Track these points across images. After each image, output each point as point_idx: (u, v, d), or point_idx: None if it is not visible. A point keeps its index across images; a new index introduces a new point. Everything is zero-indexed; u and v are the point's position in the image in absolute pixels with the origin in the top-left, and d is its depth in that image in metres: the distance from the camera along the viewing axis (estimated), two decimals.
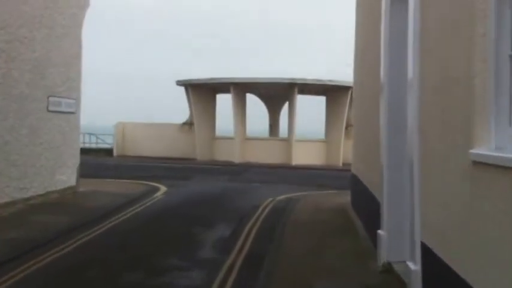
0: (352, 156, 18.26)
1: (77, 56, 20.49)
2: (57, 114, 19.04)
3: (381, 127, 10.37)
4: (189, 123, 40.72)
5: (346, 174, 29.80)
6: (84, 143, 48.30)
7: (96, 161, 34.49)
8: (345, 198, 18.74)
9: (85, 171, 25.91)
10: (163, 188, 21.36)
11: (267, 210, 16.77)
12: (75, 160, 20.33)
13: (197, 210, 16.65)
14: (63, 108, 19.50)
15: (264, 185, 23.62)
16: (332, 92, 38.69)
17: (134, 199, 18.34)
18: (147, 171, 28.60)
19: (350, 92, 36.83)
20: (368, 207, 12.53)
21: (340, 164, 37.31)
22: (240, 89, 38.32)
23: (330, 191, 22.06)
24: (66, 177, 19.62)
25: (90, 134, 49.92)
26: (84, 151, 43.22)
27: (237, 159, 37.44)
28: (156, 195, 19.63)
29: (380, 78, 10.45)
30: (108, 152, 42.56)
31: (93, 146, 47.90)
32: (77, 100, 20.38)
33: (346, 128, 38.35)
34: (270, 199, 18.92)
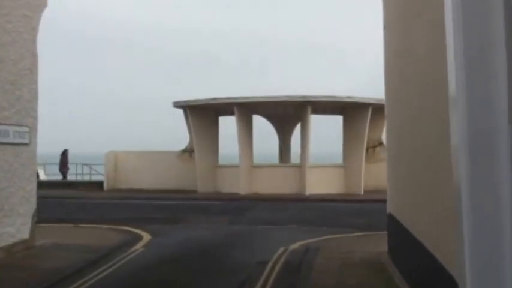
0: (389, 189, 13.43)
1: (31, 70, 15.98)
2: (2, 146, 14.59)
3: (453, 149, 5.65)
4: (189, 151, 36.31)
5: (372, 206, 25.38)
6: (76, 174, 44.29)
7: (79, 198, 30.00)
8: (377, 244, 14.43)
9: (58, 215, 21.57)
10: (146, 237, 16.84)
11: (277, 269, 12.31)
12: (29, 206, 15.65)
13: (182, 274, 12.03)
14: (10, 139, 15.01)
15: (273, 227, 19.07)
16: (350, 110, 34.12)
17: (104, 255, 13.91)
18: (134, 210, 24.25)
19: (370, 110, 32.50)
20: (421, 267, 8.50)
21: (361, 192, 32.83)
22: (246, 109, 33.77)
23: (356, 234, 17.46)
24: (15, 228, 15.01)
25: (84, 164, 45.61)
26: (72, 185, 39.31)
27: (242, 190, 32.82)
28: (134, 248, 15.13)
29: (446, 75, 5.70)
30: (99, 185, 37.92)
31: (86, 178, 43.52)
32: (32, 127, 15.84)
33: (367, 150, 33.86)
34: (282, 249, 14.47)
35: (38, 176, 43.10)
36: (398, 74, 11.47)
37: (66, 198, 30.31)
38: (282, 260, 13.11)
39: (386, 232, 13.25)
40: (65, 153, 42.54)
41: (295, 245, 15.05)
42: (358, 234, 17.18)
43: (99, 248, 14.95)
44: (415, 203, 9.60)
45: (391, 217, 12.13)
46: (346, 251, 14.07)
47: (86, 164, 45.29)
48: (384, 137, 35.46)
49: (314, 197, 30.49)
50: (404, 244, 10.59)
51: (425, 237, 8.55)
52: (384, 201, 27.95)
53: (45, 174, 44.72)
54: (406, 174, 10.53)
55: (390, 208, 12.43)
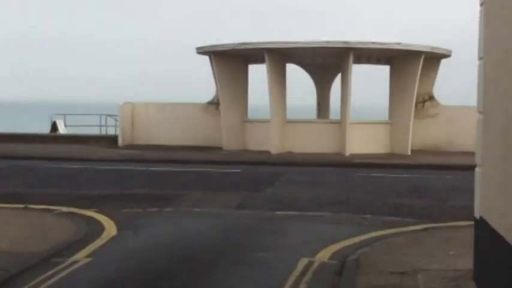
0: (480, 181, 8.44)
1: None
2: None
3: None
4: (215, 103, 32.22)
5: (427, 176, 21.07)
6: (101, 126, 40.25)
7: (75, 160, 25.70)
8: (451, 248, 10.29)
9: (19, 187, 17.37)
10: (106, 233, 11.89)
11: None
12: None
13: None
14: None
15: (298, 214, 13.97)
16: (399, 60, 29.65)
17: (23, 271, 9.28)
18: (126, 181, 19.52)
19: (422, 59, 28.16)
20: None
21: (409, 152, 28.61)
22: (278, 56, 29.48)
23: (414, 227, 12.52)
24: None
25: (109, 115, 40.98)
26: (82, 140, 35.37)
27: (274, 148, 28.76)
28: (72, 259, 9.94)
29: None
30: (114, 140, 33.99)
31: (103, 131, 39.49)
32: None
33: (416, 105, 29.58)
34: (305, 261, 9.79)
35: (55, 129, 39.99)
36: None
37: (59, 159, 25.86)
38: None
39: (473, 245, 8.38)
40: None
41: (324, 253, 10.34)
42: (418, 227, 12.42)
43: (24, 254, 10.10)
44: None
45: (483, 225, 7.83)
46: (405, 268, 9.15)
47: (111, 115, 40.82)
48: (434, 91, 31.46)
49: (356, 158, 26.28)
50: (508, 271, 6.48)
51: None
52: (440, 167, 23.93)
53: (66, 126, 40.77)
54: None
55: (482, 210, 8.06)
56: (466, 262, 9.04)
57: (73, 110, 53.72)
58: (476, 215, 8.11)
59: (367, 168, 23.47)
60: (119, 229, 12.12)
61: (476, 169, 8.23)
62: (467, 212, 13.99)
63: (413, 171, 22.54)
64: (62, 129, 39.24)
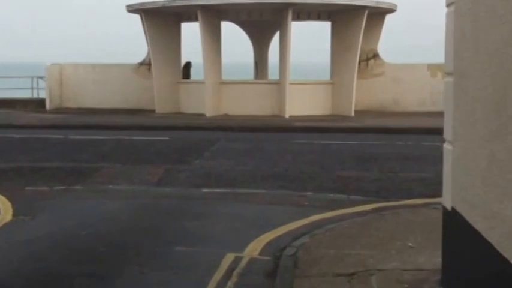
0: (450, 164, 6.45)
1: None
2: None
3: None
4: (147, 64, 30.14)
5: (374, 141, 19.26)
6: (32, 88, 37.44)
7: None
8: (409, 238, 8.54)
9: None
10: (5, 214, 10.10)
11: None
12: None
13: None
14: None
15: (227, 191, 12.02)
16: (341, 15, 27.87)
17: None
18: (40, 151, 17.10)
19: (366, 14, 26.51)
20: None
21: (352, 113, 27.15)
22: (212, 14, 27.44)
23: (364, 207, 10.61)
24: None
25: (40, 77, 37.92)
26: (8, 103, 33.07)
27: (209, 111, 26.99)
28: None
29: None
30: (42, 103, 31.72)
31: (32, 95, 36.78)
32: None
33: (359, 64, 27.92)
34: (231, 257, 7.95)
35: None
36: None
37: None
38: None
39: (441, 241, 6.46)
40: None
41: (255, 245, 8.49)
42: (367, 208, 10.53)
43: None
44: None
45: (455, 218, 6.06)
46: (354, 266, 7.27)
47: (42, 77, 37.86)
48: (378, 48, 29.82)
49: (296, 121, 24.59)
50: (488, 274, 4.81)
51: None
52: (388, 131, 21.77)
53: None
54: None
55: (455, 200, 6.24)
56: (429, 258, 7.39)
57: (2, 71, 50.79)
58: (447, 204, 6.30)
59: (308, 133, 21.71)
60: (15, 213, 10.13)
61: (445, 146, 6.37)
62: (422, 186, 12.40)
63: (358, 136, 20.78)
64: None
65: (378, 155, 16.39)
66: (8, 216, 9.94)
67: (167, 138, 19.99)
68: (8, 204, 10.65)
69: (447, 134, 6.31)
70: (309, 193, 11.85)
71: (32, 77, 36.95)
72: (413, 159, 15.67)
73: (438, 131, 21.02)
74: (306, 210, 10.52)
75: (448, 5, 6.30)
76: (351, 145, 18.54)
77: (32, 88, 36.84)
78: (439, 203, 10.71)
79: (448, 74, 6.24)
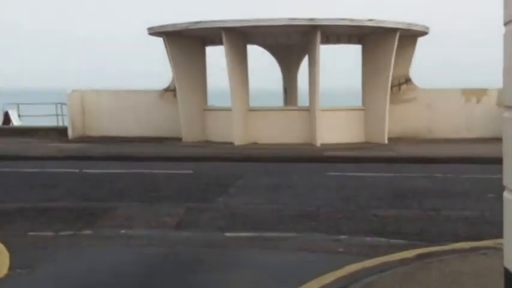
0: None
1: None
2: None
3: None
4: (173, 90, 29.26)
5: (410, 172, 17.76)
6: (57, 115, 36.67)
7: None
8: None
9: None
10: (0, 267, 8.91)
11: None
12: None
13: None
14: None
15: (253, 236, 10.66)
16: (372, 38, 26.74)
17: None
18: (44, 188, 15.80)
19: (397, 37, 25.40)
20: None
21: (386, 141, 25.96)
22: (237, 37, 26.43)
23: (405, 253, 9.30)
24: None
25: (64, 104, 36.93)
26: (30, 132, 32.23)
27: (237, 139, 25.94)
28: None
29: None
30: (64, 131, 30.87)
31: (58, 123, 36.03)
32: None
33: (392, 88, 26.76)
34: None
35: (8, 119, 36.59)
36: None
37: None
38: None
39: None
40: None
41: None
42: (409, 254, 9.20)
43: None
44: None
45: None
46: None
47: (65, 104, 36.83)
48: (410, 72, 28.61)
49: (328, 149, 23.48)
50: None
51: None
52: (424, 161, 19.97)
53: (20, 116, 37.36)
54: None
55: None
56: None
57: (28, 98, 50.16)
58: (509, 265, 5.07)
59: (341, 164, 20.43)
60: (12, 266, 8.97)
61: (506, 195, 5.13)
62: (467, 226, 11.13)
63: (394, 166, 19.45)
64: (15, 120, 36.22)
65: (416, 189, 15.11)
66: (4, 270, 8.72)
67: (191, 171, 18.75)
68: (6, 254, 9.45)
69: (507, 180, 5.07)
70: (343, 236, 10.58)
71: (56, 104, 36.30)
72: (454, 195, 14.40)
73: (476, 160, 20.01)
74: (340, 258, 9.29)
75: (506, 24, 5.04)
76: (386, 178, 17.22)
77: (57, 115, 36.18)
78: (488, 248, 9.46)
79: (508, 108, 5.00)
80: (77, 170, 19.11)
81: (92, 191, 15.45)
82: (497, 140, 26.75)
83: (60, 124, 34.92)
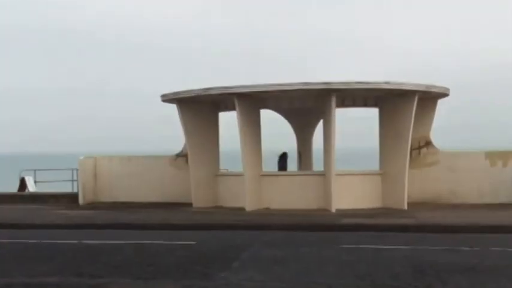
0: None
1: None
2: None
3: None
4: (185, 155, 28.57)
5: (432, 244, 16.35)
6: (72, 180, 35.94)
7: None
8: None
9: None
10: None
11: None
12: None
13: None
14: None
15: None
16: (389, 101, 25.87)
17: None
18: (38, 261, 14.86)
19: (416, 99, 24.50)
20: None
21: (405, 207, 24.75)
22: (250, 102, 25.73)
23: None
24: None
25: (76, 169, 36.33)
26: (40, 198, 31.50)
27: (249, 205, 25.09)
28: None
29: None
30: (75, 198, 30.18)
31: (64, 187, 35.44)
32: None
33: (410, 152, 25.81)
34: None
35: (24, 185, 35.90)
36: None
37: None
38: None
39: None
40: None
41: None
42: None
43: None
44: None
45: None
46: None
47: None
48: (431, 135, 27.54)
49: (343, 216, 22.37)
50: None
51: None
52: (447, 230, 18.52)
53: (36, 182, 36.65)
54: None
55: None
56: None
57: (46, 163, 49.67)
58: None
59: (357, 232, 19.30)
60: None
61: None
62: None
63: (413, 237, 18.18)
64: (31, 186, 35.62)
65: (439, 265, 13.58)
66: None
67: (193, 242, 17.55)
68: None
69: None
70: None
71: (72, 170, 35.71)
72: (483, 272, 12.80)
73: (507, 230, 18.49)
74: None
75: None
76: (405, 250, 15.74)
77: (72, 180, 35.53)
78: None
79: None
80: (76, 241, 18.14)
81: (86, 264, 14.40)
82: None
83: (75, 190, 34.28)
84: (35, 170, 37.29)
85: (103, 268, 13.97)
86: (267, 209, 25.40)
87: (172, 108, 27.70)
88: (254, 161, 26.01)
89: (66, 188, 35.42)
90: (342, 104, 26.33)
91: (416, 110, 24.73)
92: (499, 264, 13.56)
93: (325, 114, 25.65)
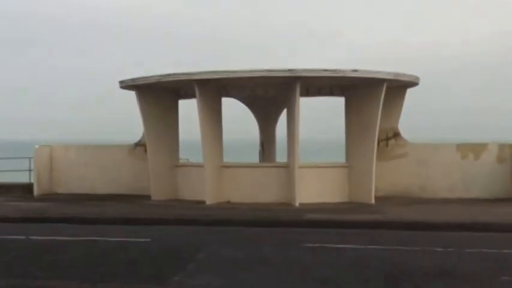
0: None
1: None
2: None
3: None
4: (144, 144, 27.34)
5: (403, 244, 15.27)
6: (30, 170, 34.38)
7: None
8: None
9: None
10: None
11: None
12: None
13: None
14: None
15: None
16: (357, 90, 24.90)
17: None
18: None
19: (384, 88, 23.54)
20: None
21: (372, 201, 23.83)
22: (211, 89, 24.58)
23: None
24: None
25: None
26: None
27: (209, 198, 24.00)
28: None
29: None
30: (30, 188, 28.87)
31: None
32: None
33: (378, 144, 24.88)
34: None
35: None
36: None
37: None
38: None
39: None
40: None
41: None
42: None
43: None
44: None
45: None
46: None
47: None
48: (400, 126, 26.63)
49: (307, 211, 21.33)
50: None
51: None
52: (418, 227, 17.32)
53: None
54: None
55: None
56: None
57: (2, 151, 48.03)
58: None
59: (322, 229, 18.27)
60: None
61: None
62: None
63: (383, 234, 17.14)
64: None
65: (411, 268, 12.39)
66: None
67: (148, 239, 16.34)
68: None
69: None
70: None
71: (30, 158, 34.21)
72: (459, 278, 11.64)
73: (480, 228, 17.41)
74: None
75: None
76: (374, 251, 14.52)
77: (30, 170, 34.07)
78: None
79: None
80: (23, 237, 16.86)
81: (31, 263, 13.17)
82: (501, 201, 23.82)
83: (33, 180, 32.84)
84: None
85: (49, 268, 12.77)
86: (229, 202, 24.37)
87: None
88: (215, 151, 24.91)
89: (23, 178, 33.95)
90: (306, 92, 25.42)
91: (384, 100, 23.77)
92: (474, 269, 12.32)
93: (289, 104, 24.60)
